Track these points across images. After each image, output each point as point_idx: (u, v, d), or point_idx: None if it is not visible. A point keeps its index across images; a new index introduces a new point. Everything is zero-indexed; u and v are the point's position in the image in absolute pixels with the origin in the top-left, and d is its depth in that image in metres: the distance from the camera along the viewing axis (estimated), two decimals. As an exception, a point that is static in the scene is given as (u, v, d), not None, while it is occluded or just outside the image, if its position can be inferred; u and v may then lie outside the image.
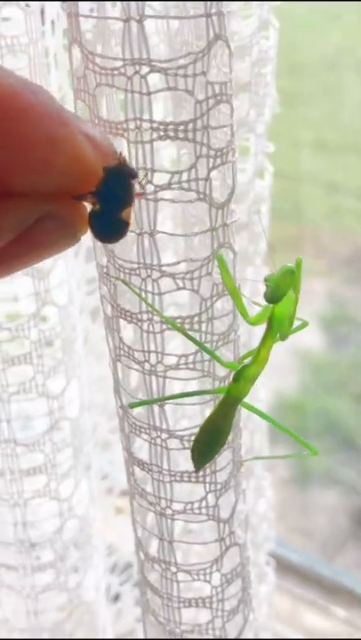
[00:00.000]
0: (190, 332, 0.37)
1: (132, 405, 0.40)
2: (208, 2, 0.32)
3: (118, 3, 0.47)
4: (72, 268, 0.57)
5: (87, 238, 0.59)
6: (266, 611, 0.66)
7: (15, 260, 0.29)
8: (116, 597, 0.77)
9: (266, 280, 0.36)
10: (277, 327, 0.36)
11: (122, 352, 0.40)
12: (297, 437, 0.42)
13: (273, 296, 0.35)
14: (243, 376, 0.37)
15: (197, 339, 0.37)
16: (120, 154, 0.30)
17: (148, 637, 0.49)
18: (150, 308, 0.37)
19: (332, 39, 1.07)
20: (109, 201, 0.30)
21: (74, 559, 0.63)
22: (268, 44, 0.51)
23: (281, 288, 0.35)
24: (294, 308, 0.36)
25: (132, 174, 0.30)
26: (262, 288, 0.55)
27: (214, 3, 0.32)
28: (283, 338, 0.37)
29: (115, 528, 0.76)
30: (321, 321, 1.22)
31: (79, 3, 0.34)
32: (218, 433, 0.39)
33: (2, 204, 0.27)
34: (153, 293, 0.37)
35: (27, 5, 0.47)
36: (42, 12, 0.49)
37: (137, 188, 0.32)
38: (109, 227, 0.31)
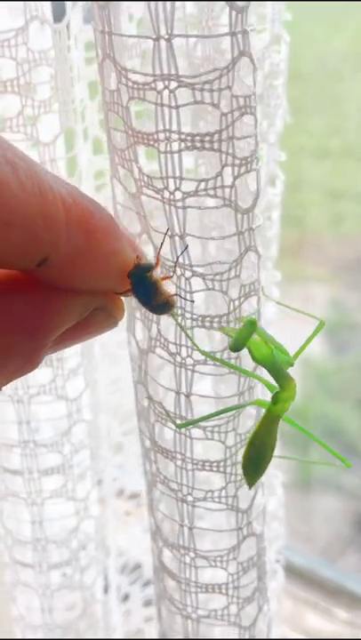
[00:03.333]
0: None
1: (180, 426, 0.42)
2: (233, 21, 0.34)
3: (135, 15, 0.49)
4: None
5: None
6: (275, 607, 0.68)
7: (70, 340, 0.35)
8: (126, 597, 0.78)
9: (222, 330, 0.39)
10: (269, 365, 0.38)
11: (158, 343, 0.42)
12: (330, 449, 0.44)
13: (234, 347, 0.37)
14: (279, 399, 0.39)
15: (222, 338, 0.40)
16: (136, 256, 0.35)
17: (163, 624, 0.51)
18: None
19: (335, 47, 1.09)
20: (141, 295, 0.36)
21: (88, 558, 0.65)
22: (280, 57, 0.53)
23: (240, 338, 0.37)
24: (268, 347, 0.38)
25: (146, 269, 0.35)
26: (274, 291, 0.57)
27: (239, 22, 0.34)
28: (290, 364, 0.39)
29: (124, 530, 0.78)
30: (323, 327, 1.23)
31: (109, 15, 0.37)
32: (264, 448, 0.41)
33: (71, 300, 0.33)
34: (185, 291, 0.39)
35: (55, 22, 0.49)
36: (67, 27, 0.51)
37: (161, 271, 0.38)
38: (155, 310, 0.37)
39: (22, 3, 0.47)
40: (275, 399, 0.39)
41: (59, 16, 0.52)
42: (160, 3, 0.34)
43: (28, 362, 0.33)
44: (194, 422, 0.42)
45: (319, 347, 1.23)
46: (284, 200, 0.58)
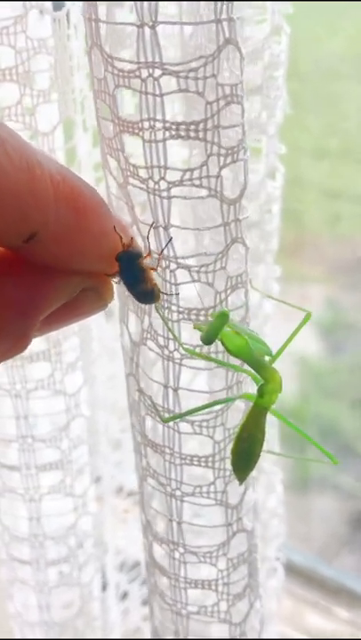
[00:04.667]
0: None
1: (166, 420, 0.42)
2: (218, 8, 0.34)
3: (128, 4, 0.49)
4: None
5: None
6: (275, 605, 0.67)
7: (59, 321, 0.35)
8: (124, 595, 0.78)
9: (195, 327, 0.38)
10: (244, 357, 0.38)
11: (149, 336, 0.42)
12: (319, 447, 0.43)
13: (206, 339, 0.37)
14: (264, 392, 0.39)
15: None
16: (131, 239, 0.35)
17: (155, 621, 0.51)
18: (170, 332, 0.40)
19: (335, 47, 1.08)
20: (128, 279, 0.35)
21: (86, 555, 0.65)
22: (280, 48, 0.53)
23: (211, 330, 0.37)
24: (241, 339, 0.37)
25: (136, 255, 0.35)
26: (274, 285, 0.57)
27: (225, 9, 0.34)
28: (268, 354, 0.39)
29: (122, 527, 0.78)
30: (319, 327, 1.23)
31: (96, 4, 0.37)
32: (253, 442, 0.40)
33: (60, 280, 0.33)
34: (170, 283, 0.38)
35: (54, 10, 0.49)
36: (67, 16, 0.51)
37: (150, 261, 0.37)
38: (140, 297, 0.37)
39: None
40: (260, 392, 0.39)
41: (59, 5, 0.51)
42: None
43: (17, 343, 0.33)
44: (181, 416, 0.41)
45: (315, 347, 1.22)
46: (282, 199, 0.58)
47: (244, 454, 0.40)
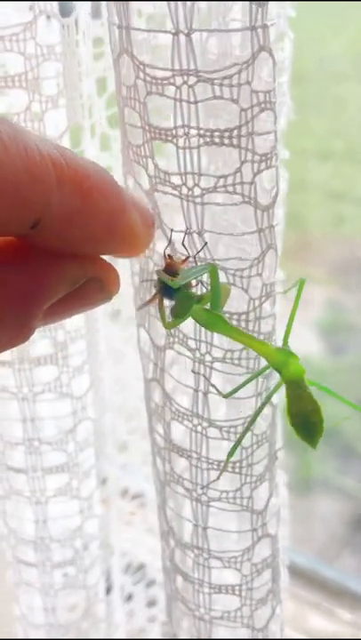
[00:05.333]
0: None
1: (227, 395, 0.41)
2: (253, 15, 0.34)
3: (144, 11, 0.49)
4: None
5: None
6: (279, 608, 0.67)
7: (62, 312, 0.34)
8: (129, 597, 0.78)
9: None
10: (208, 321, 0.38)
11: (176, 340, 0.42)
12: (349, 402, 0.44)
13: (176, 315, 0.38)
14: (279, 368, 0.39)
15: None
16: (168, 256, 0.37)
17: (174, 625, 0.51)
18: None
19: (337, 48, 1.08)
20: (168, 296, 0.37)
21: (92, 558, 0.65)
22: (284, 54, 0.53)
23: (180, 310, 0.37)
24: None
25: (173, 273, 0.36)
26: (278, 289, 0.57)
27: (259, 16, 0.34)
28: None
29: (128, 530, 0.78)
30: (320, 328, 1.23)
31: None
32: (306, 415, 0.40)
33: (63, 270, 0.33)
34: (202, 285, 0.39)
35: (63, 17, 0.49)
36: (76, 22, 0.51)
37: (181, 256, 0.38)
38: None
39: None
40: (278, 370, 0.39)
41: (67, 11, 0.51)
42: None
43: (20, 332, 0.32)
44: (237, 390, 0.41)
45: (316, 347, 1.23)
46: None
47: (304, 427, 0.40)
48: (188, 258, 0.37)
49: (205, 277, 0.39)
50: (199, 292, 0.39)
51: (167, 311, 0.38)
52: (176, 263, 0.37)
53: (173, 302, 0.37)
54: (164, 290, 0.37)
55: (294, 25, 0.53)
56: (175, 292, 0.37)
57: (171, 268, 0.36)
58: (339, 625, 0.86)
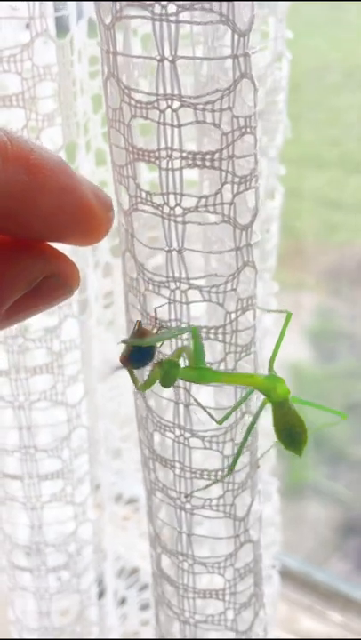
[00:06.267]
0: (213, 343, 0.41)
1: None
2: (235, 44, 0.35)
3: (140, 30, 0.50)
4: (92, 283, 0.60)
5: (105, 253, 0.62)
6: (271, 612, 0.69)
7: (24, 312, 0.34)
8: (123, 601, 0.79)
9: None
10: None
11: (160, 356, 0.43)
12: (324, 407, 0.45)
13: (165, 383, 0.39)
14: (266, 393, 0.41)
15: (222, 349, 0.41)
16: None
17: (161, 628, 0.52)
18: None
19: (332, 59, 1.09)
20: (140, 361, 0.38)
21: (86, 562, 0.66)
22: (281, 74, 0.55)
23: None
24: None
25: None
26: (272, 301, 0.58)
27: (241, 45, 0.35)
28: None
29: (122, 535, 0.79)
30: (309, 334, 1.24)
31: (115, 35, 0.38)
32: (291, 430, 0.42)
33: (19, 268, 0.32)
34: (181, 302, 0.40)
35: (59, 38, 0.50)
36: (71, 42, 0.52)
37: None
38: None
39: (27, 18, 0.48)
40: (265, 395, 0.41)
41: (63, 29, 0.53)
42: (165, 23, 0.35)
43: None
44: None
45: (306, 354, 1.23)
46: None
47: (289, 439, 0.42)
48: (160, 325, 0.39)
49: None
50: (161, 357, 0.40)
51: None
52: (146, 330, 0.38)
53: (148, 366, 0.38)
54: (135, 355, 0.38)
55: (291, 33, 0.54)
56: (161, 366, 0.38)
57: (141, 335, 0.37)
58: (330, 627, 0.87)
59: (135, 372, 0.39)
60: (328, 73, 1.09)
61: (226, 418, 0.42)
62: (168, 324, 0.41)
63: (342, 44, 1.09)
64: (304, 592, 0.90)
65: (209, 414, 0.42)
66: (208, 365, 0.40)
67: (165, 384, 0.39)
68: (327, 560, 1.09)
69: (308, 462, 1.16)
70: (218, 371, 0.41)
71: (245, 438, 0.43)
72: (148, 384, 0.39)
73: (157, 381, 0.39)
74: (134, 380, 0.39)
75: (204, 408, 0.42)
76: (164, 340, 0.39)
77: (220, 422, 0.42)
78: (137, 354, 0.37)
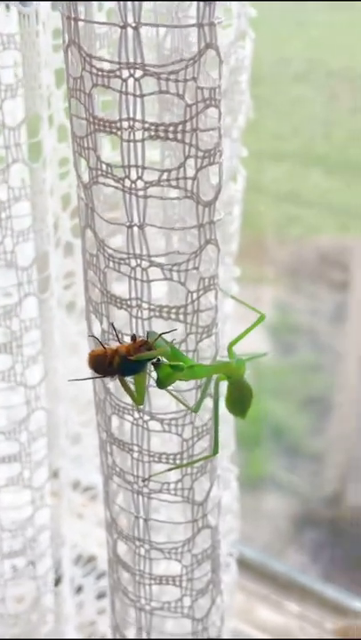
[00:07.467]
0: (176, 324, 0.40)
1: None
2: (200, 12, 0.34)
3: (105, 5, 0.49)
4: (53, 261, 0.59)
5: (65, 233, 0.61)
6: (228, 600, 0.68)
7: None
8: (79, 589, 0.78)
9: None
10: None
11: (111, 337, 0.42)
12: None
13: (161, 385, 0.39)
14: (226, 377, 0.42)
15: (183, 330, 0.40)
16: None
17: (117, 617, 0.51)
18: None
19: (296, 51, 1.09)
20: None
21: (42, 548, 0.65)
22: (245, 53, 0.54)
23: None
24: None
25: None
26: (233, 286, 0.58)
27: (207, 13, 0.34)
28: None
29: (79, 522, 0.78)
30: (267, 328, 1.24)
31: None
32: (241, 397, 0.44)
33: None
34: (142, 281, 0.39)
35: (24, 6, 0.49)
36: (36, 12, 0.51)
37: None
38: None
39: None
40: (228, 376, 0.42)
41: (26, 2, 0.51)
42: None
43: None
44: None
45: (265, 347, 1.24)
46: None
47: (240, 405, 0.44)
48: (145, 342, 0.38)
49: None
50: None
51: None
52: (134, 347, 0.37)
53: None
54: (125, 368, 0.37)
55: (254, 25, 0.54)
56: (157, 369, 0.38)
57: (129, 352, 0.37)
58: (287, 617, 0.86)
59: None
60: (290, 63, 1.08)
61: (199, 405, 0.42)
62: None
63: (307, 34, 1.09)
64: (261, 582, 0.90)
65: (181, 401, 0.41)
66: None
67: (164, 386, 0.39)
68: (284, 551, 1.09)
69: (265, 454, 1.16)
70: (202, 364, 0.41)
71: (216, 420, 0.43)
72: (141, 394, 0.39)
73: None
74: (131, 394, 0.39)
75: (175, 396, 0.41)
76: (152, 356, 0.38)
77: (195, 410, 0.42)
78: (131, 365, 0.37)
